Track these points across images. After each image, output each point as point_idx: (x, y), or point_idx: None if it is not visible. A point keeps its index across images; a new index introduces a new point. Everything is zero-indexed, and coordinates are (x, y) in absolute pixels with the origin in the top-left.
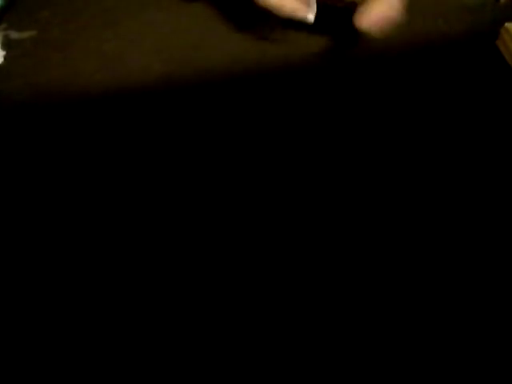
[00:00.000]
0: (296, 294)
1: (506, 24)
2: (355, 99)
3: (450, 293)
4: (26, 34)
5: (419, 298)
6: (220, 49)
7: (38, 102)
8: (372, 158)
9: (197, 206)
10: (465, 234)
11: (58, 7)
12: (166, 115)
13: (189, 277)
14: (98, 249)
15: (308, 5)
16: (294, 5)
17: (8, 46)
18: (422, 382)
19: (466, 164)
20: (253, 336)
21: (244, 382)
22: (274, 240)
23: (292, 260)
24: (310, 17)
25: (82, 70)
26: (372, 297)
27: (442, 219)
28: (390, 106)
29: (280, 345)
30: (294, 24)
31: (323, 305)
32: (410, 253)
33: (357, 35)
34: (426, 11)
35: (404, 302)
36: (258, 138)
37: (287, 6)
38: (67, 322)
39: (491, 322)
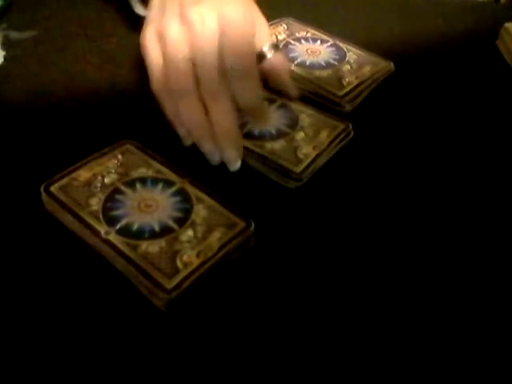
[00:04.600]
0: (295, 297)
1: (506, 24)
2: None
3: (450, 294)
4: (25, 34)
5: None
6: None
7: (38, 102)
8: (370, 157)
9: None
10: (465, 234)
11: (58, 7)
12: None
13: None
14: None
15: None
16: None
17: (8, 45)
18: (421, 382)
19: (465, 163)
20: (251, 339)
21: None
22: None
23: (291, 263)
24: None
25: (82, 69)
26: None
27: (441, 217)
28: (389, 106)
29: (278, 349)
30: None
31: (321, 308)
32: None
33: None
34: (426, 11)
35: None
36: None
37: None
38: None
39: (491, 322)
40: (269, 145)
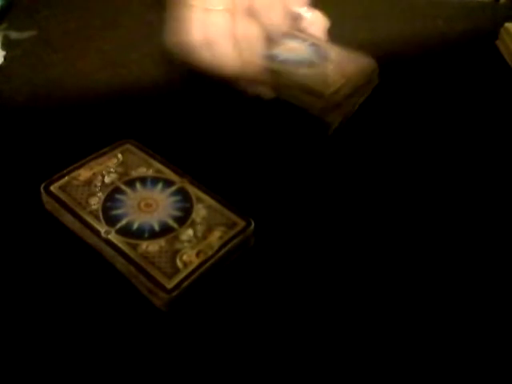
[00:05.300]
0: (295, 297)
1: (506, 24)
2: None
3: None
4: (25, 34)
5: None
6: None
7: (38, 102)
8: (369, 157)
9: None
10: (464, 238)
11: (57, 7)
12: (164, 115)
13: None
14: None
15: None
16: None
17: (8, 46)
18: (421, 382)
19: (465, 162)
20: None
21: None
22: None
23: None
24: None
25: (82, 69)
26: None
27: (441, 219)
28: (389, 106)
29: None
30: None
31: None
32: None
33: None
34: (426, 11)
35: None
36: (252, 141)
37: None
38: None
39: (491, 322)
40: (303, 71)
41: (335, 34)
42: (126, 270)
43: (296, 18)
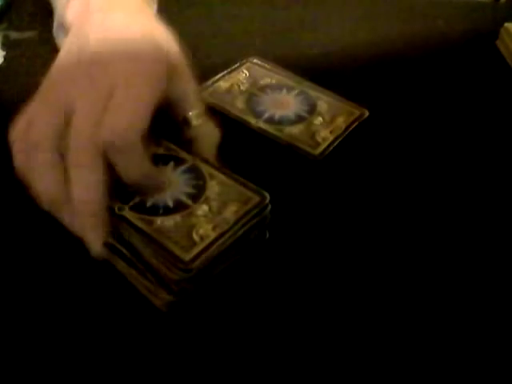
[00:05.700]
0: (295, 297)
1: (506, 24)
2: (356, 97)
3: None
4: (25, 34)
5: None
6: (219, 50)
7: None
8: (369, 159)
9: None
10: (465, 235)
11: None
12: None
13: None
14: None
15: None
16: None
17: (8, 46)
18: (421, 382)
19: (465, 162)
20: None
21: None
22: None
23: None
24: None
25: None
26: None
27: (441, 218)
28: (389, 106)
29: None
30: None
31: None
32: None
33: None
34: (426, 11)
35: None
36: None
37: None
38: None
39: (491, 322)
40: (287, 129)
41: (335, 35)
42: (127, 271)
43: (183, 124)
